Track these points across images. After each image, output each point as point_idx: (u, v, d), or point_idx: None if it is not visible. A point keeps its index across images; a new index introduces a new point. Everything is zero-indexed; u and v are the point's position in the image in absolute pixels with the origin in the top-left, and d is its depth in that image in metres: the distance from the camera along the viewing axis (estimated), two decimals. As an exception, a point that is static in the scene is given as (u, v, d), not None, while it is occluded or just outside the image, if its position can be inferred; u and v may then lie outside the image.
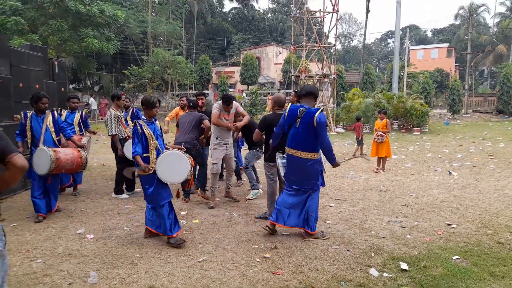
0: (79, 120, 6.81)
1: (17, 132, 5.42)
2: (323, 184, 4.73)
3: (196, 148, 5.94)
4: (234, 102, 6.09)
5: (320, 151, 4.49)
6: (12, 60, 6.75)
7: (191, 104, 6.34)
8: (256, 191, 6.48)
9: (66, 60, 22.91)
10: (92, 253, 4.06)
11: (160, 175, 4.32)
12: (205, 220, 5.23)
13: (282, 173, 4.77)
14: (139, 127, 4.34)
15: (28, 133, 5.34)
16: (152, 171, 4.30)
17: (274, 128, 4.79)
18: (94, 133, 7.49)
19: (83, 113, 7.00)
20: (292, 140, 4.44)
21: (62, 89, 8.65)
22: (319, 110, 4.32)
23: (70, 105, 6.78)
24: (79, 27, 23.05)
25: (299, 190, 4.48)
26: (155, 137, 4.40)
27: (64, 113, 6.69)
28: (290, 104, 4.68)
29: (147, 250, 4.14)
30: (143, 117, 4.56)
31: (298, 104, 4.53)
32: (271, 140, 4.93)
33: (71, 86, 31.12)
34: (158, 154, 4.38)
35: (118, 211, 5.63)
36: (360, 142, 11.21)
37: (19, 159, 2.09)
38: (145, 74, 26.57)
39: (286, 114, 4.51)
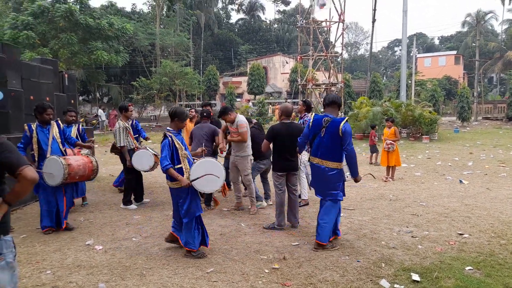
0: (76, 134, 6.59)
1: (20, 145, 5.14)
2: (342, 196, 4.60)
3: None
4: (237, 116, 6.01)
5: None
6: (23, 73, 6.89)
7: (204, 114, 6.35)
8: (259, 202, 6.42)
9: (76, 73, 23.32)
10: (100, 264, 4.07)
11: (197, 186, 4.21)
12: (213, 230, 5.21)
13: (308, 181, 4.84)
14: (170, 139, 4.20)
15: (35, 146, 5.14)
16: (188, 184, 4.15)
17: (299, 138, 4.81)
18: (90, 147, 6.40)
19: (80, 126, 6.87)
20: (317, 149, 4.46)
21: (72, 101, 8.78)
22: (344, 120, 4.35)
23: (67, 118, 6.54)
24: (89, 40, 23.51)
25: (323, 200, 4.49)
26: (184, 147, 4.31)
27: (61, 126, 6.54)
28: (313, 114, 4.68)
29: (156, 261, 4.13)
30: (169, 128, 4.35)
31: (323, 114, 4.53)
32: (298, 148, 4.97)
33: (80, 98, 31.58)
34: (189, 164, 4.29)
35: (126, 222, 5.64)
36: (374, 150, 11.33)
37: (30, 172, 2.12)
38: (153, 85, 26.87)
39: (310, 123, 4.52)
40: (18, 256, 4.19)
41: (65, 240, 4.85)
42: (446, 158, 12.21)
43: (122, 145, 6.31)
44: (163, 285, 3.57)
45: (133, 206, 6.46)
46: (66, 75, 8.66)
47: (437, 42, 64.26)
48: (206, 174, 4.21)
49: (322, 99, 4.99)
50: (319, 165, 4.43)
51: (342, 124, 4.28)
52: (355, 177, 4.44)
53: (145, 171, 6.43)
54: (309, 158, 4.70)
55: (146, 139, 7.27)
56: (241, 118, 6.02)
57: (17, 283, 2.30)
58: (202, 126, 6.24)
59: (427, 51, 56.50)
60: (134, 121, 6.91)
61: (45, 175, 4.93)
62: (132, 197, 6.62)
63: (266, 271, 3.87)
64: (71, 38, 21.92)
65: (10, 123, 6.35)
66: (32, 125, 5.22)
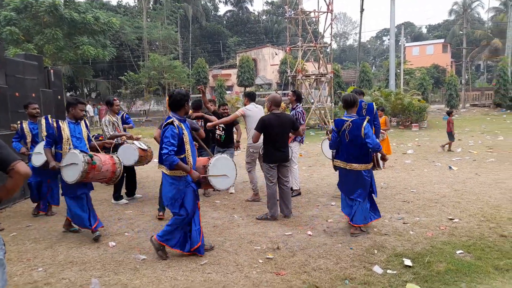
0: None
1: (171, 149, 3.81)
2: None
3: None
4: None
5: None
6: (7, 69, 6.73)
7: (196, 104, 6.23)
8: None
9: (63, 68, 22.89)
10: (93, 260, 4.03)
11: None
12: (206, 223, 5.19)
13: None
14: None
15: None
16: None
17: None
18: None
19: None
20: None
21: (59, 96, 8.62)
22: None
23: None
24: (74, 35, 23.11)
25: None
26: None
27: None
28: (291, 104, 5.08)
29: (149, 255, 4.10)
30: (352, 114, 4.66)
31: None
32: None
33: (68, 94, 31.10)
34: None
35: (118, 217, 5.59)
36: (451, 137, 11.18)
37: (22, 167, 2.10)
38: (142, 79, 26.59)
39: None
40: (9, 254, 4.12)
41: (56, 237, 4.80)
42: (435, 146, 12.35)
43: (108, 137, 6.17)
44: (157, 278, 3.56)
45: (123, 201, 6.41)
46: (51, 71, 8.48)
47: (424, 31, 64.59)
48: None
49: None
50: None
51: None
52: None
53: (130, 165, 6.29)
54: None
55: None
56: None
57: (7, 280, 2.26)
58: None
59: (415, 40, 56.72)
60: (124, 115, 6.74)
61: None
62: (124, 191, 6.56)
63: (260, 261, 3.88)
64: (56, 33, 21.52)
65: (-5, 120, 6.22)
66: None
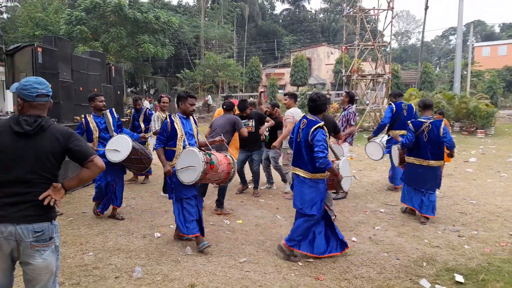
0: None
1: None
2: None
3: None
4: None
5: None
6: (73, 66, 7.26)
7: (224, 106, 5.83)
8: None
9: (125, 65, 24.29)
10: (138, 248, 4.20)
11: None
12: (249, 221, 5.21)
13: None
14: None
15: None
16: None
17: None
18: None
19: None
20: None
21: (118, 92, 9.15)
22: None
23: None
24: (136, 34, 24.41)
25: None
26: None
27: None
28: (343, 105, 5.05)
29: (191, 249, 4.19)
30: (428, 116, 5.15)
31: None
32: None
33: (128, 90, 32.97)
34: None
35: (165, 210, 5.78)
36: None
37: (100, 161, 2.28)
38: (197, 77, 27.42)
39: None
40: (65, 238, 4.45)
41: (108, 224, 5.07)
42: (502, 154, 11.32)
43: (153, 132, 6.61)
44: (197, 272, 3.62)
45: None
46: (113, 67, 9.02)
47: (497, 30, 59.57)
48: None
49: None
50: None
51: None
52: None
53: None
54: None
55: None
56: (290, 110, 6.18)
57: (59, 266, 2.42)
58: (221, 117, 5.66)
59: (486, 39, 52.52)
60: (147, 111, 7.38)
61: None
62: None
63: (300, 264, 3.80)
64: (120, 32, 22.90)
65: (61, 112, 6.73)
66: None
